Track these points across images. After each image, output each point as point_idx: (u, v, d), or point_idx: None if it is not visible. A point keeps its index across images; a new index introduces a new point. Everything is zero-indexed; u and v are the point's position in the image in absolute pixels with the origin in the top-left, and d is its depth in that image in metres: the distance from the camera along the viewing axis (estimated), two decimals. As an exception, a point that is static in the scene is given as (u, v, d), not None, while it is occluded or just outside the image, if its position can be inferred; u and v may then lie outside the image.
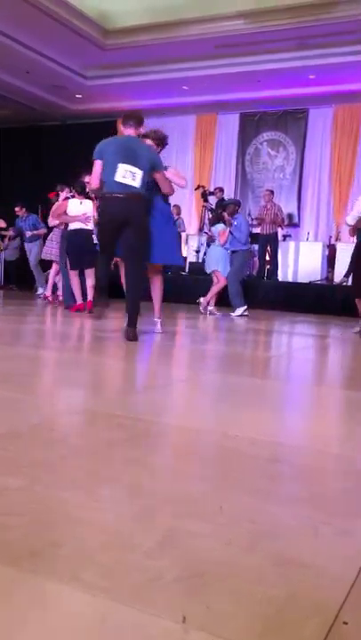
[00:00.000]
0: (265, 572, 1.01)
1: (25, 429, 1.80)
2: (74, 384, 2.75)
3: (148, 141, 4.72)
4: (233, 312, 7.99)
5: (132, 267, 4.42)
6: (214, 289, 8.15)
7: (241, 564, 1.03)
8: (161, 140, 4.90)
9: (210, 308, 8.14)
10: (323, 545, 1.14)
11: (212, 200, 11.53)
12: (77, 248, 6.83)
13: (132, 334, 4.28)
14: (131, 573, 0.97)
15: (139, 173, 4.27)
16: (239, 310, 7.93)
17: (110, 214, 4.36)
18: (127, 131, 4.44)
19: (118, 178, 4.22)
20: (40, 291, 10.10)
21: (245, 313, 7.93)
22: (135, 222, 4.32)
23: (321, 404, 2.75)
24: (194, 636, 0.82)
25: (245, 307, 7.97)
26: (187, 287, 10.84)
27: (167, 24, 9.84)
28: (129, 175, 4.23)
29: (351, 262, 6.97)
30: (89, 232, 6.86)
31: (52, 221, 8.25)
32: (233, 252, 8.09)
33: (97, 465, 1.53)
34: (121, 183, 4.23)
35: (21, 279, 12.04)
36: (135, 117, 4.46)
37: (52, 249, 8.18)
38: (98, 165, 4.37)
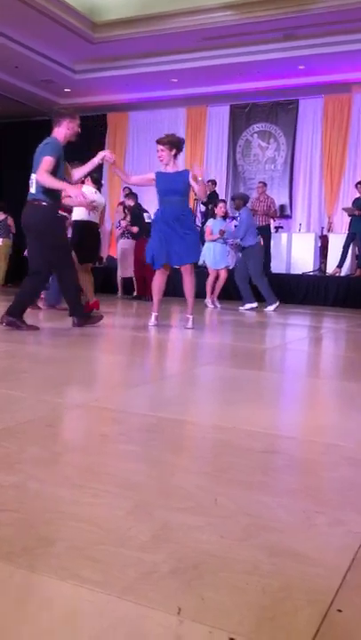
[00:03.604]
0: (260, 562, 1.01)
1: (19, 426, 1.80)
2: (68, 380, 2.75)
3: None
4: (243, 305, 8.08)
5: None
6: (208, 287, 8.28)
7: (236, 555, 1.04)
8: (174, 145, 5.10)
9: (207, 300, 8.27)
10: (317, 535, 1.15)
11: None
12: (92, 241, 6.32)
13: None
14: (126, 567, 0.97)
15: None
16: (249, 305, 8.01)
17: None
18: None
19: None
20: None
21: (254, 305, 7.98)
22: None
23: (315, 395, 2.76)
24: (189, 628, 0.82)
25: (256, 304, 8.01)
26: (179, 282, 10.80)
27: (155, 16, 9.78)
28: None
29: None
30: (96, 224, 6.35)
31: None
32: (243, 248, 8.16)
33: (91, 460, 1.53)
34: None
35: (16, 276, 11.88)
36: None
37: None
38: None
